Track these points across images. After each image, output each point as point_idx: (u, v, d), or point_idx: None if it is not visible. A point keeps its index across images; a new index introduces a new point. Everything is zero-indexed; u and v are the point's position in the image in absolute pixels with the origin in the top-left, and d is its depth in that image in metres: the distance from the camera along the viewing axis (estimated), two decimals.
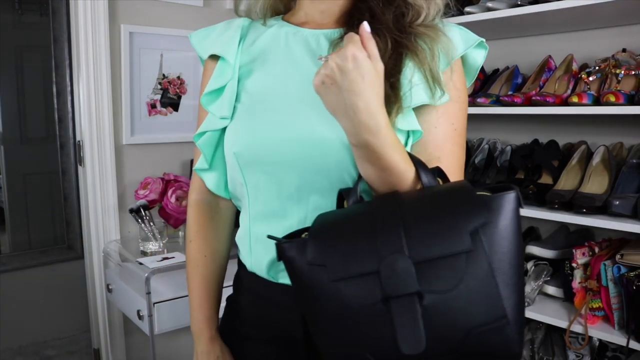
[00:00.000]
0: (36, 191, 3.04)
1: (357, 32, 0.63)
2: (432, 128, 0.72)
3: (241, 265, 0.86)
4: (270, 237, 0.65)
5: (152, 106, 2.15)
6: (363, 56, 0.59)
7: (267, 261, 0.79)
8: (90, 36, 1.95)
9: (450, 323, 0.55)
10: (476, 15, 1.67)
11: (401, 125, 0.70)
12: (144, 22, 2.08)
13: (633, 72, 1.46)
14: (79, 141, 2.09)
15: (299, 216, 0.75)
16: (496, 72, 1.92)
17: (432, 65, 0.71)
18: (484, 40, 0.77)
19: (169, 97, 2.18)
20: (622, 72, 1.47)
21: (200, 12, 2.20)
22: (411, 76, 0.71)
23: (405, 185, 0.65)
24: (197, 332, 0.88)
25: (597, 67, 1.54)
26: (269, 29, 0.82)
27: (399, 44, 0.71)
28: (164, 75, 2.16)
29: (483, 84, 1.90)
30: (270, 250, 0.71)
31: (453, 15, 1.75)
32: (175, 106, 2.20)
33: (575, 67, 1.64)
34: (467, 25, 1.72)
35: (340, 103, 0.60)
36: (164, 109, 2.18)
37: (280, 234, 0.70)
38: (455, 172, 0.73)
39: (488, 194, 0.59)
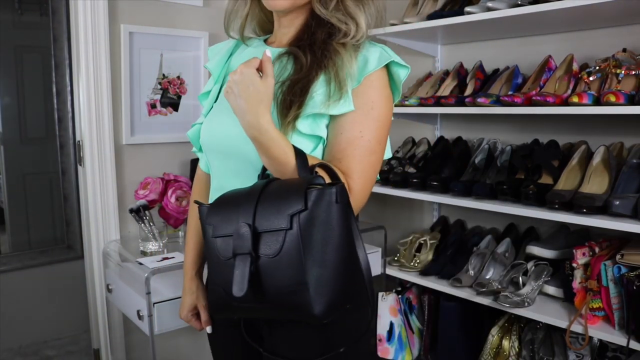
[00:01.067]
0: (36, 191, 3.04)
1: (291, 48, 0.93)
2: (339, 134, 0.88)
3: None
4: (196, 201, 0.91)
5: (152, 106, 2.15)
6: (250, 72, 0.80)
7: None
8: (90, 36, 1.95)
9: (270, 281, 0.76)
10: (476, 15, 1.67)
11: (303, 129, 0.87)
12: (144, 22, 2.08)
13: (633, 72, 1.46)
14: (78, 141, 2.09)
15: None
16: (496, 72, 1.92)
17: (341, 80, 0.87)
18: (401, 61, 0.92)
19: (169, 97, 2.18)
20: (623, 72, 1.47)
21: (200, 12, 2.19)
22: (319, 89, 0.87)
23: (288, 173, 0.82)
24: (184, 271, 1.14)
25: (597, 67, 1.54)
26: (249, 48, 1.05)
27: (316, 58, 0.89)
28: (163, 75, 2.16)
29: (483, 84, 1.90)
30: None
31: (452, 16, 1.75)
32: (175, 106, 2.20)
33: (575, 67, 1.64)
34: (467, 25, 1.73)
35: (235, 106, 0.82)
36: (163, 109, 2.18)
37: None
38: (354, 172, 0.87)
39: (319, 186, 0.76)
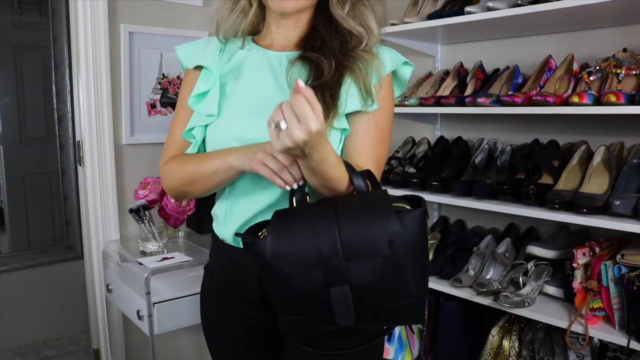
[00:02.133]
0: (36, 191, 3.04)
1: (310, 54, 0.94)
2: (357, 124, 0.95)
3: (214, 235, 1.08)
4: (237, 234, 0.90)
5: (152, 106, 2.15)
6: (316, 126, 0.71)
7: (234, 232, 1.01)
8: (90, 36, 1.95)
9: (372, 303, 0.77)
10: (476, 15, 1.67)
11: (336, 125, 0.92)
12: (144, 22, 2.08)
13: (634, 72, 1.46)
14: (78, 141, 2.09)
15: (270, 198, 0.96)
16: (496, 72, 1.91)
17: (365, 81, 0.93)
18: (408, 60, 1.01)
19: (169, 97, 2.18)
20: (623, 71, 1.47)
21: (200, 12, 2.19)
22: (348, 89, 0.93)
23: (341, 189, 0.84)
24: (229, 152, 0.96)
25: (597, 67, 1.54)
26: (240, 50, 1.03)
27: (340, 65, 0.93)
28: (163, 75, 2.15)
29: (483, 84, 1.89)
30: (237, 225, 0.99)
31: (452, 15, 1.75)
32: (175, 106, 2.19)
33: (575, 67, 1.63)
34: (467, 25, 1.73)
35: (311, 164, 0.78)
36: (163, 109, 2.18)
37: (253, 210, 0.97)
38: (370, 158, 0.94)
39: (405, 206, 0.79)
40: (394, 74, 1.01)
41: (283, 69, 0.96)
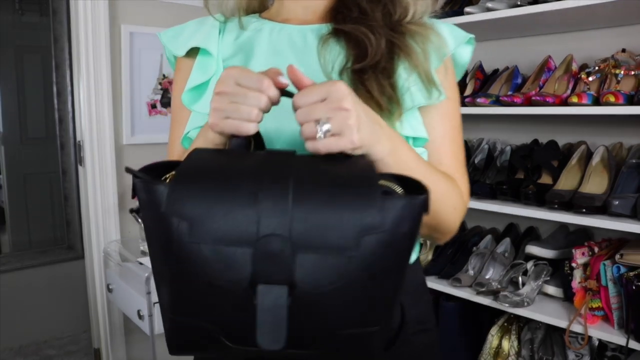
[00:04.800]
0: (36, 191, 3.05)
1: (349, 27, 0.67)
2: (431, 129, 0.72)
3: None
4: (127, 169, 0.54)
5: (153, 106, 2.15)
6: (353, 98, 0.55)
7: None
8: (91, 36, 1.95)
9: (317, 321, 0.48)
10: (476, 15, 1.68)
11: (407, 131, 0.68)
12: (144, 22, 2.08)
13: (632, 73, 1.47)
14: (79, 141, 2.10)
15: None
16: (496, 72, 1.92)
17: (425, 66, 0.69)
18: (474, 36, 0.76)
19: (169, 97, 2.18)
20: (622, 72, 1.47)
21: (201, 12, 2.18)
22: (407, 78, 0.69)
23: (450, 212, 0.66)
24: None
25: (596, 67, 1.54)
26: (249, 25, 0.77)
27: (392, 45, 0.69)
28: (164, 75, 2.16)
29: (483, 84, 1.90)
30: None
31: (452, 16, 1.75)
32: None
33: (574, 67, 1.64)
34: (467, 25, 1.73)
35: (365, 141, 0.55)
36: (164, 109, 2.18)
37: None
38: (457, 171, 0.73)
39: (394, 187, 0.52)
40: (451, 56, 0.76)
41: (311, 47, 0.72)
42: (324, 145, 0.52)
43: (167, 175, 0.55)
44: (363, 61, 0.66)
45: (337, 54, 0.69)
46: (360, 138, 0.53)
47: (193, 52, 0.76)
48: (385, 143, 0.58)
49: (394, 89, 0.67)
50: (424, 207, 0.50)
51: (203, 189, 0.48)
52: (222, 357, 0.56)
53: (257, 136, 0.60)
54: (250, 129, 0.55)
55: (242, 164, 0.51)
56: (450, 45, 0.73)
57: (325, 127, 0.52)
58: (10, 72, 2.94)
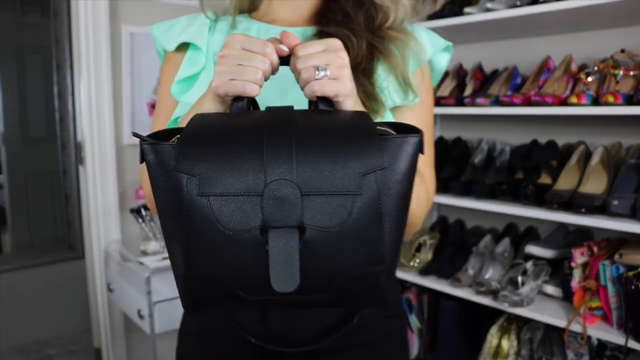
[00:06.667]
0: (37, 191, 3.05)
1: (332, 30, 0.71)
2: None
3: None
4: (135, 133, 0.57)
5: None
6: (336, 44, 0.59)
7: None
8: (92, 37, 1.96)
9: (327, 262, 0.51)
10: (475, 15, 1.68)
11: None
12: (145, 22, 2.09)
13: (632, 73, 1.47)
14: (80, 141, 2.10)
15: None
16: (495, 73, 1.92)
17: (403, 70, 0.74)
18: (451, 44, 0.81)
19: None
20: (621, 72, 1.47)
21: (201, 12, 2.20)
22: (385, 78, 0.74)
23: None
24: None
25: (595, 68, 1.54)
26: (239, 25, 0.81)
27: (373, 47, 0.73)
28: None
29: (482, 84, 1.90)
30: None
31: (451, 16, 1.76)
32: None
33: (574, 67, 1.64)
34: (467, 25, 1.74)
35: (350, 89, 0.60)
36: None
37: None
38: (425, 166, 0.76)
39: (391, 131, 0.55)
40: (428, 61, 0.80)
41: None
42: (321, 85, 0.56)
43: (173, 139, 0.56)
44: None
45: None
46: (351, 86, 0.59)
47: (183, 47, 0.80)
48: (356, 104, 0.62)
49: (374, 88, 0.72)
50: (419, 146, 0.53)
51: (209, 145, 0.51)
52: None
53: (255, 105, 0.63)
54: (254, 90, 0.57)
55: (245, 120, 0.55)
56: (428, 51, 0.78)
57: (323, 72, 0.57)
58: (11, 73, 2.95)
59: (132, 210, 1.90)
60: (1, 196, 3.06)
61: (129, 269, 1.83)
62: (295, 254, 0.49)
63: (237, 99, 0.58)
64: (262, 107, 0.59)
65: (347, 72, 0.58)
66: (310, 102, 0.61)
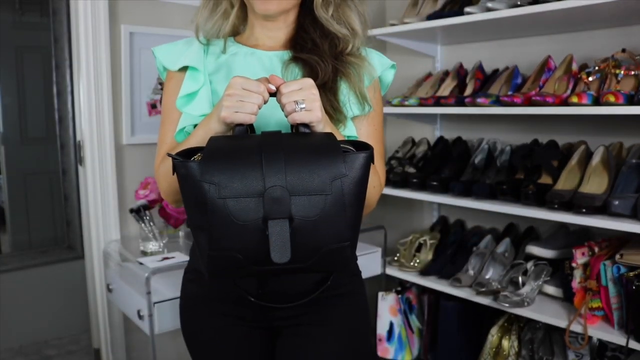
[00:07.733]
0: (37, 191, 3.05)
1: (304, 56, 0.94)
2: (358, 129, 0.99)
3: None
4: (169, 154, 0.79)
5: (153, 106, 2.15)
6: (309, 84, 0.82)
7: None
8: (91, 36, 1.95)
9: (309, 241, 0.75)
10: (476, 15, 1.68)
11: (345, 132, 0.96)
12: (145, 22, 2.08)
13: (632, 73, 1.47)
14: (79, 141, 2.10)
15: None
16: (496, 72, 1.92)
17: (360, 87, 0.96)
18: (395, 63, 1.04)
19: None
20: (622, 72, 1.47)
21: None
22: (347, 94, 0.95)
23: None
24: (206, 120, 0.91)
25: (596, 67, 1.54)
26: (228, 49, 1.01)
27: (336, 70, 0.95)
28: None
29: (483, 84, 1.90)
30: None
31: (452, 16, 1.75)
32: None
33: (574, 67, 1.64)
34: (467, 25, 1.73)
35: (321, 117, 0.83)
36: None
37: None
38: (376, 160, 0.91)
39: (350, 148, 0.79)
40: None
41: (276, 68, 0.97)
42: (300, 115, 0.80)
43: (195, 157, 0.79)
44: (315, 81, 0.86)
45: (296, 74, 0.95)
46: (322, 114, 0.82)
47: (183, 68, 0.99)
48: (326, 125, 0.86)
49: (338, 102, 0.94)
50: (370, 158, 0.78)
51: (224, 162, 0.75)
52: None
53: (250, 125, 0.85)
54: (252, 119, 0.81)
55: (247, 143, 0.78)
56: (378, 70, 1.00)
57: (301, 105, 0.80)
58: (10, 72, 2.94)
59: (131, 210, 1.90)
60: (0, 196, 3.06)
61: (129, 269, 1.83)
62: (287, 236, 0.73)
63: (239, 124, 0.81)
64: (259, 121, 0.88)
65: (317, 105, 0.81)
66: (292, 126, 0.84)
